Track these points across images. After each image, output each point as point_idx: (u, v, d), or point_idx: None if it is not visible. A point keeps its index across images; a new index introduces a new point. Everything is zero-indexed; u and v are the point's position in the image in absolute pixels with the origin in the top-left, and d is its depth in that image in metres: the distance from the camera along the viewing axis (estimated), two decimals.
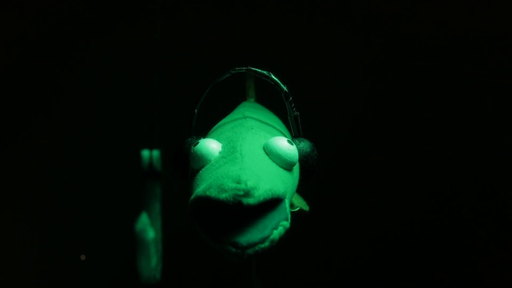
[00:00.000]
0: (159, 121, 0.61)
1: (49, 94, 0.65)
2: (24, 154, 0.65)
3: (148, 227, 0.20)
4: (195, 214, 0.25)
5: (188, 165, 0.29)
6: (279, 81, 0.31)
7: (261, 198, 0.24)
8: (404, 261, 0.65)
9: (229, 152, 0.27)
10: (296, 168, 0.29)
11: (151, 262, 0.20)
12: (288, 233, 0.26)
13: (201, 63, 0.58)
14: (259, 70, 0.31)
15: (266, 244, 0.24)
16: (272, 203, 0.25)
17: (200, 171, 0.27)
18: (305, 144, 0.30)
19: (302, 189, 0.32)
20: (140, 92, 0.63)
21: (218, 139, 0.29)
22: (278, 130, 0.32)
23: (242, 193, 0.24)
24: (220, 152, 0.28)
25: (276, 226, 0.25)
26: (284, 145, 0.28)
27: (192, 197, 0.25)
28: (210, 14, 0.63)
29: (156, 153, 0.20)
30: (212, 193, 0.24)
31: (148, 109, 0.45)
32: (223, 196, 0.24)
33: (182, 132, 0.32)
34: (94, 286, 0.67)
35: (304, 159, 0.30)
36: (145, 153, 0.20)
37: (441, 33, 0.61)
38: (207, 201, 0.24)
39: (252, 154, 0.27)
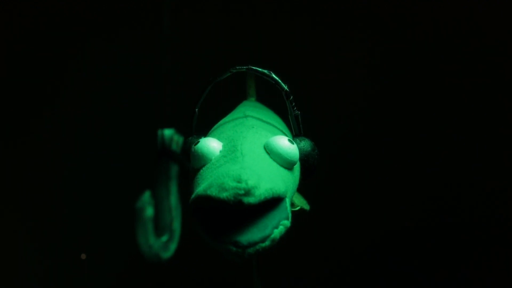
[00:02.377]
0: (159, 121, 0.61)
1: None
2: (26, 149, 0.65)
3: (147, 205, 0.20)
4: (196, 213, 0.25)
5: (189, 164, 0.29)
6: (279, 80, 0.31)
7: (262, 197, 0.24)
8: (405, 261, 0.64)
9: (230, 151, 0.27)
10: (297, 167, 0.29)
11: (149, 240, 0.20)
12: (288, 232, 0.26)
13: (201, 62, 0.58)
14: (260, 69, 0.31)
15: (267, 243, 0.24)
16: (272, 202, 0.25)
17: (201, 170, 0.27)
18: (306, 143, 0.30)
19: (302, 188, 0.32)
20: (140, 92, 0.63)
21: (219, 138, 0.29)
22: (278, 129, 0.32)
23: (242, 192, 0.24)
24: (220, 151, 0.28)
25: (276, 225, 0.25)
26: (285, 144, 0.28)
27: (193, 196, 0.25)
28: (210, 14, 0.63)
29: (169, 132, 0.21)
30: (213, 192, 0.24)
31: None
32: (224, 195, 0.24)
33: (183, 131, 0.32)
34: (94, 286, 0.67)
35: (304, 158, 0.30)
36: (160, 132, 0.21)
37: (442, 33, 0.61)
38: (207, 200, 0.24)
39: (252, 153, 0.27)
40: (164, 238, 0.21)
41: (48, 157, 0.65)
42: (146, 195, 0.20)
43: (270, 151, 0.28)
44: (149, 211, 0.20)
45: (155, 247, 0.21)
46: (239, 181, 0.24)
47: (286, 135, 0.30)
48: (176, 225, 0.20)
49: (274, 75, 0.31)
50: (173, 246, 0.21)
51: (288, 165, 0.28)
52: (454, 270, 0.64)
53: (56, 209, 0.66)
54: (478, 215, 0.63)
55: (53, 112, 0.65)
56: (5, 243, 0.66)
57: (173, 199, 0.21)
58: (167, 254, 0.21)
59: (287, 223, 0.25)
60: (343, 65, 0.62)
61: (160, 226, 0.20)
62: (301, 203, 0.33)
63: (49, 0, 0.63)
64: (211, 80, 0.32)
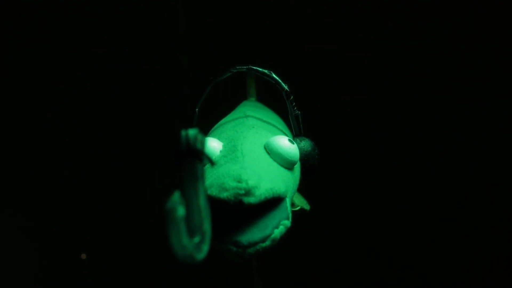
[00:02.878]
0: (159, 121, 0.62)
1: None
2: (26, 149, 0.65)
3: (178, 205, 0.20)
4: None
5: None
6: (280, 80, 0.31)
7: (262, 197, 0.24)
8: (405, 261, 0.64)
9: (230, 151, 0.27)
10: (297, 167, 0.29)
11: (183, 240, 0.20)
12: (289, 232, 0.26)
13: (202, 62, 0.58)
14: (260, 69, 0.31)
15: (267, 243, 0.24)
16: (273, 202, 0.25)
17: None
18: (306, 143, 0.30)
19: (303, 188, 0.32)
20: (140, 92, 0.63)
21: (219, 138, 0.29)
22: (279, 129, 0.32)
23: (243, 192, 0.24)
24: (221, 151, 0.28)
25: (277, 225, 0.25)
26: (285, 144, 0.28)
27: None
28: (211, 13, 0.63)
29: (193, 131, 0.21)
30: (213, 192, 0.24)
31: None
32: (224, 195, 0.24)
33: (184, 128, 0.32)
34: (94, 286, 0.67)
35: (305, 158, 0.30)
36: (183, 132, 0.21)
37: (442, 32, 0.61)
38: (208, 200, 0.24)
39: (253, 153, 0.27)
40: (197, 239, 0.21)
41: (48, 157, 0.65)
42: (176, 195, 0.20)
43: (271, 151, 0.28)
44: (181, 211, 0.20)
45: (189, 248, 0.21)
46: (239, 181, 0.24)
47: (287, 135, 0.30)
48: (207, 226, 0.20)
49: (274, 75, 0.31)
50: (205, 248, 0.21)
51: (288, 165, 0.28)
52: (454, 270, 0.64)
53: (56, 209, 0.66)
54: (478, 215, 0.63)
55: (54, 112, 0.65)
56: (5, 243, 0.66)
57: (202, 199, 0.21)
58: (201, 255, 0.21)
59: (288, 223, 0.25)
60: (343, 65, 0.62)
61: (190, 228, 0.20)
62: (301, 203, 0.33)
63: (49, 0, 0.63)
64: (211, 80, 0.32)
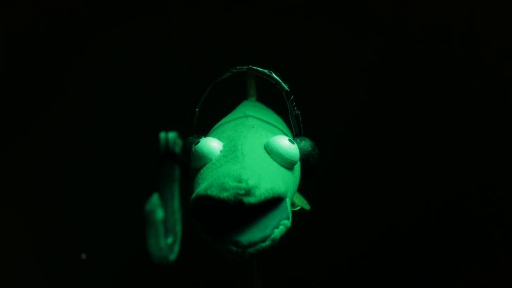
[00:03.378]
0: (159, 121, 0.61)
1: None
2: (27, 149, 0.65)
3: (157, 208, 0.20)
4: (196, 213, 0.25)
5: (189, 163, 0.29)
6: (280, 80, 0.31)
7: (262, 197, 0.24)
8: (406, 260, 0.64)
9: (230, 151, 0.27)
10: (297, 167, 0.29)
11: (160, 242, 0.20)
12: (289, 232, 0.26)
13: (202, 62, 0.58)
14: (260, 69, 0.31)
15: (267, 243, 0.24)
16: (273, 202, 0.25)
17: (201, 170, 0.27)
18: (306, 143, 0.30)
19: (303, 188, 0.32)
20: (140, 92, 0.63)
21: (219, 138, 0.29)
22: (279, 129, 0.32)
23: (243, 192, 0.24)
24: (221, 151, 0.28)
25: (277, 225, 0.25)
26: (285, 144, 0.28)
27: (193, 196, 0.25)
28: (211, 13, 0.63)
29: (172, 135, 0.21)
30: (213, 192, 0.24)
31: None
32: (224, 195, 0.24)
33: (183, 131, 0.32)
34: (94, 286, 0.67)
35: (305, 158, 0.30)
36: (162, 135, 0.21)
37: (443, 33, 0.61)
38: (208, 200, 0.24)
39: (253, 153, 0.27)
40: (170, 241, 0.22)
41: (48, 157, 0.65)
42: (155, 198, 0.20)
43: (271, 151, 0.28)
44: (160, 214, 0.20)
45: (165, 249, 0.21)
46: (239, 181, 0.24)
47: (287, 135, 0.30)
48: (179, 228, 0.20)
49: (274, 75, 0.31)
50: (176, 249, 0.21)
51: (288, 165, 0.28)
52: (455, 270, 0.64)
53: (56, 209, 0.66)
54: (479, 215, 0.63)
55: (54, 112, 0.65)
56: (5, 243, 0.66)
57: (176, 202, 0.21)
58: (173, 256, 0.21)
59: (288, 223, 0.25)
60: (343, 65, 0.62)
61: (165, 229, 0.20)
62: (302, 203, 0.33)
63: (49, 0, 0.63)
64: (211, 80, 0.32)
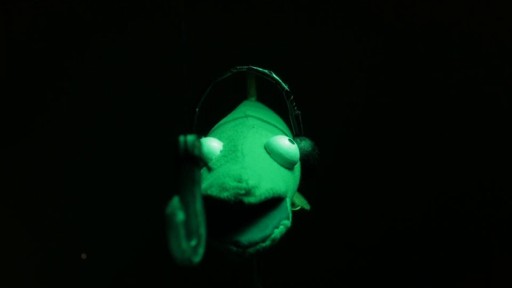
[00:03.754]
0: (159, 121, 0.61)
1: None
2: (27, 149, 0.65)
3: (178, 210, 0.20)
4: None
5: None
6: (280, 80, 0.31)
7: (262, 197, 0.24)
8: (406, 260, 0.64)
9: (230, 151, 0.27)
10: (297, 167, 0.29)
11: (182, 245, 0.20)
12: (289, 232, 0.26)
13: (202, 62, 0.58)
14: (260, 69, 0.31)
15: (267, 243, 0.24)
16: (273, 202, 0.25)
17: (201, 170, 0.27)
18: (306, 143, 0.30)
19: (303, 188, 0.32)
20: (141, 93, 0.63)
21: (219, 138, 0.29)
22: (279, 129, 0.32)
23: (243, 192, 0.24)
24: (221, 151, 0.28)
25: (277, 225, 0.25)
26: (285, 144, 0.28)
27: None
28: (211, 13, 0.63)
29: (191, 137, 0.21)
30: (213, 192, 0.24)
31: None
32: (224, 195, 0.24)
33: (184, 131, 0.32)
34: (94, 286, 0.67)
35: (305, 158, 0.30)
36: (181, 138, 0.21)
37: (443, 33, 0.61)
38: (208, 200, 0.24)
39: (253, 153, 0.27)
40: (193, 243, 0.22)
41: (48, 157, 0.65)
42: (175, 200, 0.20)
43: (271, 151, 0.28)
44: (180, 216, 0.20)
45: (187, 251, 0.21)
46: (239, 181, 0.24)
47: (287, 135, 0.30)
48: (203, 230, 0.20)
49: (274, 75, 0.31)
50: (201, 251, 0.21)
51: (288, 165, 0.28)
52: (455, 270, 0.64)
53: (56, 209, 0.66)
54: (479, 215, 0.63)
55: (54, 113, 0.65)
56: (5, 243, 0.66)
57: (198, 204, 0.21)
58: (198, 258, 0.21)
59: (288, 223, 0.25)
60: (343, 65, 0.62)
61: (187, 231, 0.20)
62: (302, 203, 0.33)
63: (49, 0, 0.63)
64: (211, 80, 0.32)
